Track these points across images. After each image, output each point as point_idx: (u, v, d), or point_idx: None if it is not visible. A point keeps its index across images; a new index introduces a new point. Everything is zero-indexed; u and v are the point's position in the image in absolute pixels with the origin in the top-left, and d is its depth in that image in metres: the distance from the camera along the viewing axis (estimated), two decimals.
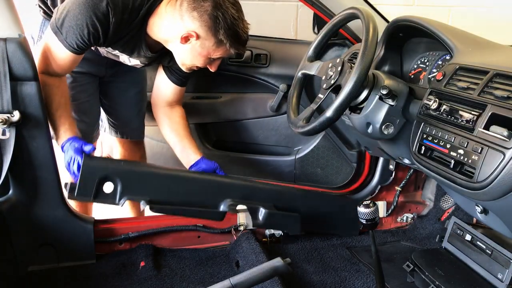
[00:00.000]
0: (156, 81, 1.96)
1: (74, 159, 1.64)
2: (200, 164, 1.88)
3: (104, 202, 1.70)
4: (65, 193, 1.68)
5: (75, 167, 1.64)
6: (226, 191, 1.84)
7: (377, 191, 2.14)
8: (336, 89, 1.38)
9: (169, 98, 1.94)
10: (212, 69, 1.74)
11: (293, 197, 1.97)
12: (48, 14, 1.83)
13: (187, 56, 1.68)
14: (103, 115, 2.14)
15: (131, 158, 2.21)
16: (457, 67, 1.27)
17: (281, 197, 1.94)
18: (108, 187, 1.68)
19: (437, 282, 1.55)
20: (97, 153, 2.29)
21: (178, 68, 1.81)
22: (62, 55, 1.62)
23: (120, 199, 1.69)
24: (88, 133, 2.03)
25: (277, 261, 1.43)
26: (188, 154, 1.92)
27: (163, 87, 1.92)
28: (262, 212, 1.85)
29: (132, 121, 2.13)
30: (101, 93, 2.07)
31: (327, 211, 2.04)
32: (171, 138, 1.96)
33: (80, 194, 1.65)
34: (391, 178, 2.11)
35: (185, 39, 1.61)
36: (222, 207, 1.81)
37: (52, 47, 1.62)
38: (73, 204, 1.92)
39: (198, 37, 1.60)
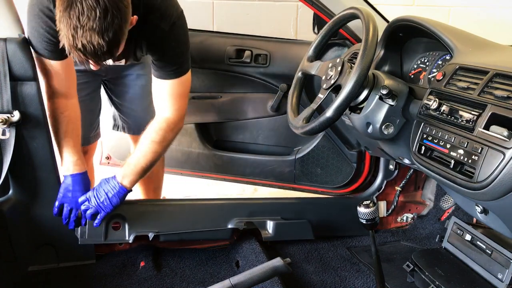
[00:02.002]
0: None
1: (76, 209, 1.70)
2: None
3: (115, 241, 1.82)
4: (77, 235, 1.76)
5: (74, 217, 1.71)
6: (232, 212, 1.89)
7: (383, 186, 2.14)
8: (336, 89, 1.38)
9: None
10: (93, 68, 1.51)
11: (300, 208, 2.00)
12: None
13: None
14: (115, 113, 2.14)
15: None
16: (457, 67, 1.27)
17: (287, 209, 1.97)
18: (116, 226, 1.79)
19: (437, 282, 1.55)
20: (97, 153, 2.32)
21: (152, 60, 1.71)
22: (48, 65, 1.61)
23: (129, 236, 1.79)
24: (84, 132, 2.02)
25: (277, 261, 1.43)
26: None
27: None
28: (270, 224, 1.91)
29: (142, 117, 2.07)
30: (110, 91, 2.07)
31: (336, 215, 2.07)
32: None
33: (91, 237, 1.76)
34: (396, 172, 2.11)
35: None
36: (229, 226, 1.87)
37: (37, 62, 1.60)
38: None
39: None
